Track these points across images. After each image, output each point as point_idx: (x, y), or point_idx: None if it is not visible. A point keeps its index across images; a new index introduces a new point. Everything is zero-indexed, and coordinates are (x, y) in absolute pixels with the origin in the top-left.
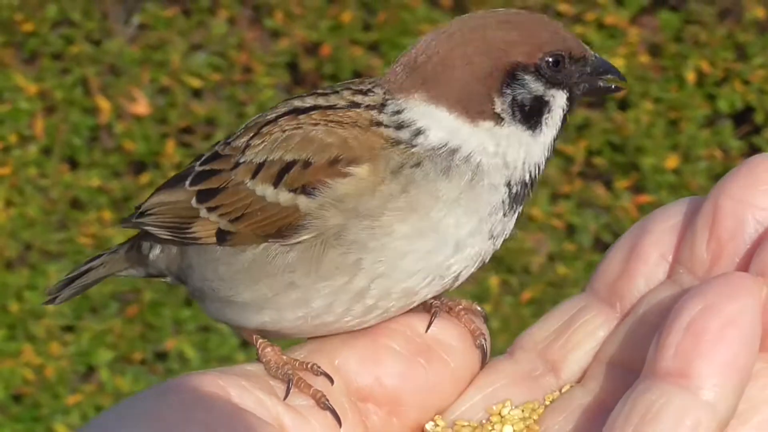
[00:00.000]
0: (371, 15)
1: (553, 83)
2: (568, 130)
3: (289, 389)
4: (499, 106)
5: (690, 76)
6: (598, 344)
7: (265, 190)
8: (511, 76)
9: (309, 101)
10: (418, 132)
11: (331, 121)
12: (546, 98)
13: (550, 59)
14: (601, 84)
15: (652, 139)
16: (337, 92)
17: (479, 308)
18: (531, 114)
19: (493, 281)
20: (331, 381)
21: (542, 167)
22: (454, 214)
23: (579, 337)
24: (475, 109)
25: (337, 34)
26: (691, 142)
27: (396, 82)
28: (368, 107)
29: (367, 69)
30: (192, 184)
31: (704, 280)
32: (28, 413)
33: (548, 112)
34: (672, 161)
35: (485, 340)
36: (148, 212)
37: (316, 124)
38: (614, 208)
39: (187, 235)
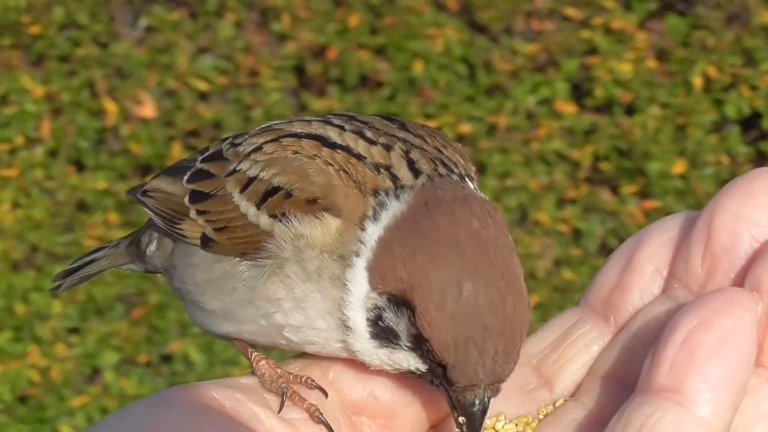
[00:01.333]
0: (378, 19)
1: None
2: (575, 134)
3: (283, 402)
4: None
5: (697, 82)
6: (592, 358)
7: (248, 208)
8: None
9: (348, 138)
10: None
11: (344, 170)
12: (398, 337)
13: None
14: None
15: (659, 145)
16: (391, 147)
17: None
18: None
19: None
20: (326, 394)
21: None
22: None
23: (573, 351)
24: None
25: (343, 37)
26: (698, 147)
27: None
28: (392, 177)
29: (373, 73)
30: (189, 181)
31: (699, 295)
32: (33, 415)
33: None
34: (679, 167)
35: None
36: (149, 193)
37: (328, 164)
38: (621, 213)
39: (177, 230)
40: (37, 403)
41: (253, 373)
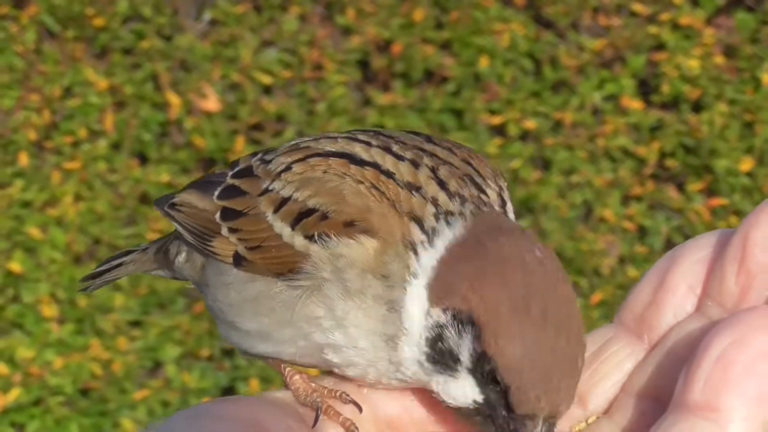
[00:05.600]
0: (444, 13)
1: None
2: (641, 131)
3: (318, 417)
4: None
5: (765, 78)
6: (625, 376)
7: (283, 229)
8: (457, 321)
9: (375, 154)
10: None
11: (375, 188)
12: (458, 364)
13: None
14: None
15: (726, 142)
16: (418, 164)
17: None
18: (441, 357)
19: None
20: (360, 409)
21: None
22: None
23: (606, 368)
24: (438, 302)
25: (408, 32)
26: (765, 145)
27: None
28: (431, 201)
29: (438, 68)
30: (219, 197)
31: (733, 313)
32: (95, 408)
33: (456, 368)
34: (746, 164)
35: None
36: (177, 207)
37: (359, 182)
38: (686, 210)
39: (208, 247)
40: (98, 396)
41: (287, 387)
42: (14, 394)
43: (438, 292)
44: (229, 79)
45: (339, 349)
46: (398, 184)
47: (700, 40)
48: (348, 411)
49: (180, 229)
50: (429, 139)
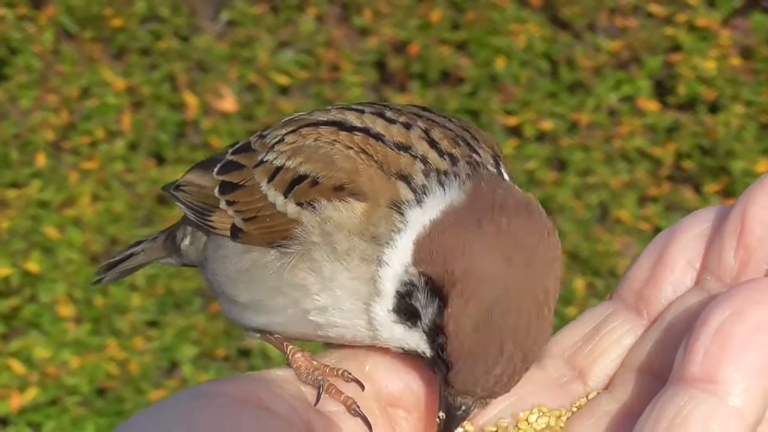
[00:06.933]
0: (460, 14)
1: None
2: (657, 132)
3: (319, 395)
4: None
5: None
6: (625, 351)
7: (276, 197)
8: (429, 284)
9: (367, 120)
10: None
11: (364, 152)
12: (418, 314)
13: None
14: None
15: (742, 143)
16: (407, 126)
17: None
18: (406, 312)
19: (579, 284)
20: (362, 387)
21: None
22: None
23: (606, 344)
24: (418, 264)
25: (425, 33)
26: None
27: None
28: (420, 159)
29: (455, 69)
30: (219, 172)
31: (732, 286)
32: (111, 407)
33: (416, 324)
34: (763, 165)
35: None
36: (181, 187)
37: (348, 148)
38: None
39: (207, 222)
40: (115, 395)
41: (288, 365)
42: (31, 394)
43: (422, 253)
44: (245, 79)
45: (324, 311)
46: (387, 146)
47: (717, 42)
48: (350, 389)
49: (183, 208)
50: (427, 109)
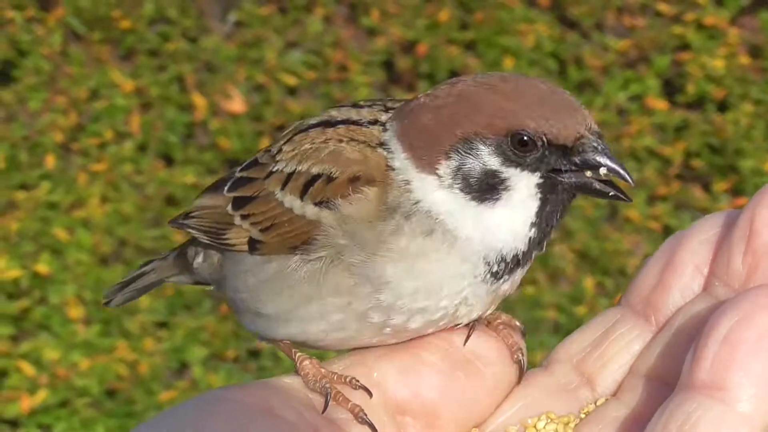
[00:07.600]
0: (468, 14)
1: (515, 163)
2: (666, 131)
3: (327, 403)
4: (443, 168)
5: None
6: (633, 357)
7: (292, 202)
8: (465, 142)
9: (344, 113)
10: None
11: (352, 139)
12: (501, 176)
13: (515, 138)
14: (594, 184)
15: (751, 142)
16: (370, 106)
17: (518, 323)
18: (478, 186)
19: (589, 283)
20: (370, 394)
21: (518, 250)
22: (431, 269)
23: (614, 350)
24: (422, 158)
25: (433, 33)
26: None
27: (397, 111)
28: (381, 125)
29: (463, 68)
30: (230, 190)
31: (740, 292)
32: (121, 409)
33: (505, 190)
34: None
35: (522, 354)
36: (191, 215)
37: (340, 141)
38: (712, 210)
39: (223, 241)
40: (125, 397)
41: (296, 373)
42: (41, 396)
43: (433, 157)
44: (254, 80)
45: (391, 307)
46: (363, 126)
47: (725, 40)
48: (358, 397)
49: (196, 233)
50: (396, 99)
